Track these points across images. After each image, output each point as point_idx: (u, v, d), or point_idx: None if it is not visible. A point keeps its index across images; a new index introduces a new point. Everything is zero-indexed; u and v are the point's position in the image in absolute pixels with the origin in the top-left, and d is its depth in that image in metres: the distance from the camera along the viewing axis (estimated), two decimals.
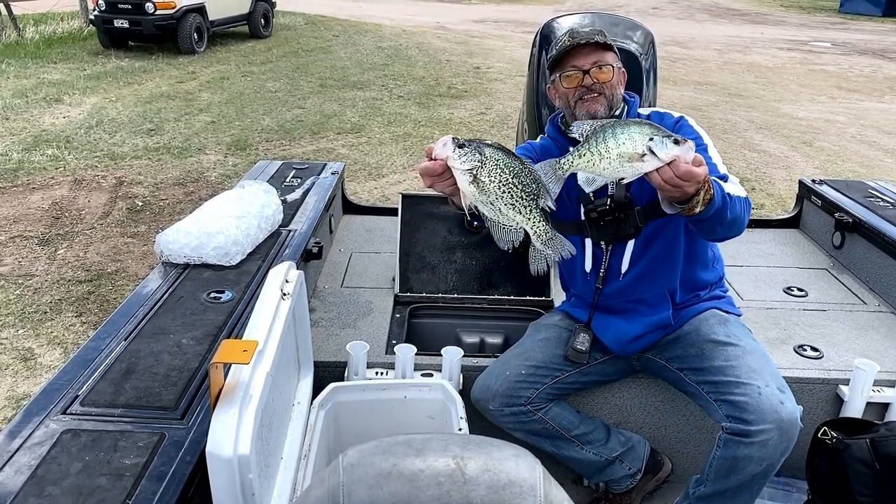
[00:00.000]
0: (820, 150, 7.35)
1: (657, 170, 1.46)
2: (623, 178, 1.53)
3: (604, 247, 1.96)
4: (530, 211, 1.45)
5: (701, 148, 1.82)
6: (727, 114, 8.78)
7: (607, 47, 1.89)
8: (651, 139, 1.44)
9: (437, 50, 12.76)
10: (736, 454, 1.72)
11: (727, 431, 1.75)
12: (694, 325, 1.95)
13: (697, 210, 1.55)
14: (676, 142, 1.44)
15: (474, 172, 1.41)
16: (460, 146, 1.41)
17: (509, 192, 1.43)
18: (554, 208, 1.51)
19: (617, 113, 1.92)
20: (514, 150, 1.52)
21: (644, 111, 1.98)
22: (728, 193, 1.63)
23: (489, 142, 1.45)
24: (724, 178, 1.74)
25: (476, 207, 1.48)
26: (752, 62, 12.75)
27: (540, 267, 1.58)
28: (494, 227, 1.49)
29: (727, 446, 1.74)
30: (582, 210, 1.94)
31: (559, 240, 1.53)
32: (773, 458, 1.71)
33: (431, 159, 1.47)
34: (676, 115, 1.96)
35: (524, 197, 1.44)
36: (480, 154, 1.41)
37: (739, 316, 2.04)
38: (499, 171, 1.42)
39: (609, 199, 1.91)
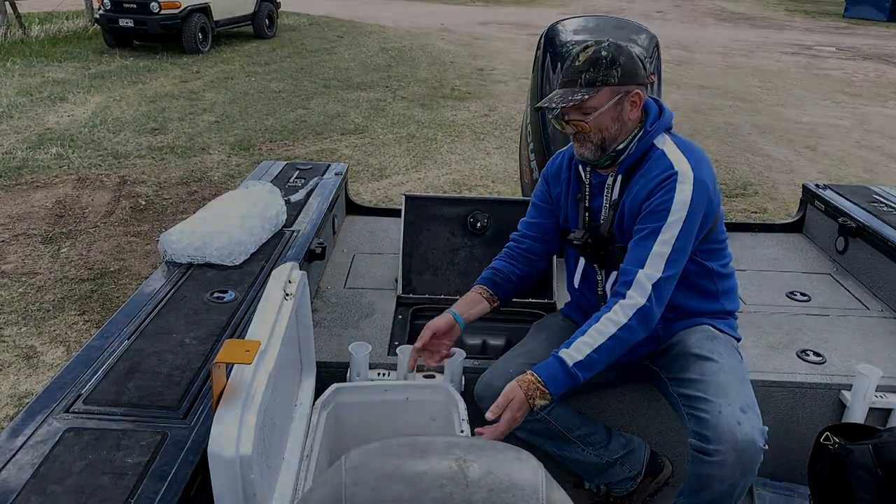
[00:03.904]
0: (823, 155, 7.34)
1: None
2: None
3: (597, 268, 2.00)
4: None
5: (657, 223, 1.77)
6: (731, 117, 8.77)
7: (592, 85, 1.77)
8: None
9: (440, 52, 12.77)
10: (700, 471, 1.70)
11: (691, 447, 1.74)
12: (683, 336, 1.95)
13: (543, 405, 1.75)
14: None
15: None
16: None
17: None
18: None
19: (620, 147, 1.86)
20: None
21: (660, 145, 1.86)
22: (579, 362, 1.74)
23: None
24: (628, 280, 1.78)
25: None
26: (756, 66, 12.74)
27: None
28: None
29: (693, 462, 1.73)
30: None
31: None
32: (733, 479, 1.67)
33: None
34: (676, 169, 1.80)
35: None
36: None
37: (739, 340, 2.01)
38: None
39: (585, 233, 1.95)
